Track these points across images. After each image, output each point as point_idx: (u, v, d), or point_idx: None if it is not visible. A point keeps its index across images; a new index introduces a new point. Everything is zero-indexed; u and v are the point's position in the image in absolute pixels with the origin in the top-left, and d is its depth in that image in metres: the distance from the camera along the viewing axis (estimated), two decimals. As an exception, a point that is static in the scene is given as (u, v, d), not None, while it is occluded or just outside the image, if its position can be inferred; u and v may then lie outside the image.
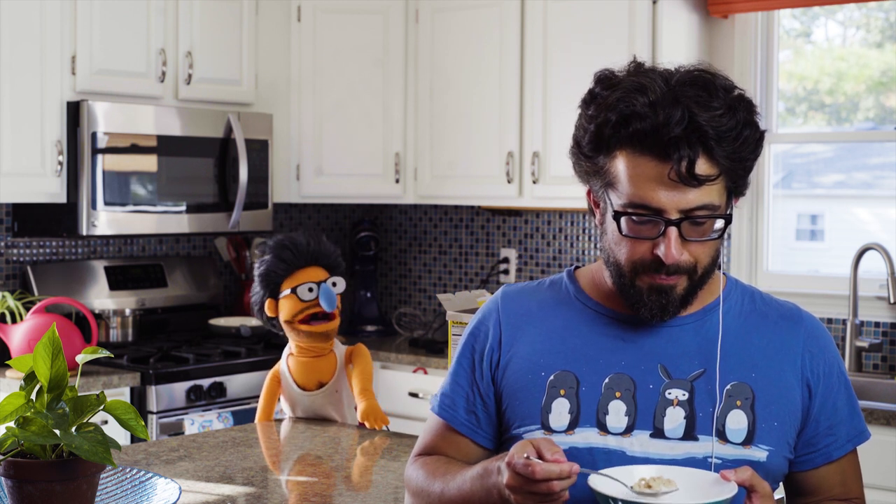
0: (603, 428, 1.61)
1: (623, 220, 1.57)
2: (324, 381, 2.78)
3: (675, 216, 1.54)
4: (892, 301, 3.64)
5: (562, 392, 1.63)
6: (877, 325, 3.81)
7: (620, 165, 1.56)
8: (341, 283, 2.76)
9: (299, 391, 2.79)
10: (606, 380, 1.63)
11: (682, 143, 1.50)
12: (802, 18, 4.26)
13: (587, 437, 1.61)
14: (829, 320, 3.89)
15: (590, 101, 1.61)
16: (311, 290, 2.71)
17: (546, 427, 1.63)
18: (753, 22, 4.09)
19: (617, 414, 1.61)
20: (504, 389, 1.70)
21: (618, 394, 1.62)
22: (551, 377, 1.65)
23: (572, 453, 1.60)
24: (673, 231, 1.54)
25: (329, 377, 2.78)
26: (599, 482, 1.46)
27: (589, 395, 1.63)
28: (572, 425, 1.62)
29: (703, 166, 1.52)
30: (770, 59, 4.11)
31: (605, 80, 1.61)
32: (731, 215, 1.59)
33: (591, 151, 1.60)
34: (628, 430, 1.61)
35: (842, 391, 1.68)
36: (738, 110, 1.54)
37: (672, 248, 1.54)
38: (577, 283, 1.73)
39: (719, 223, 1.57)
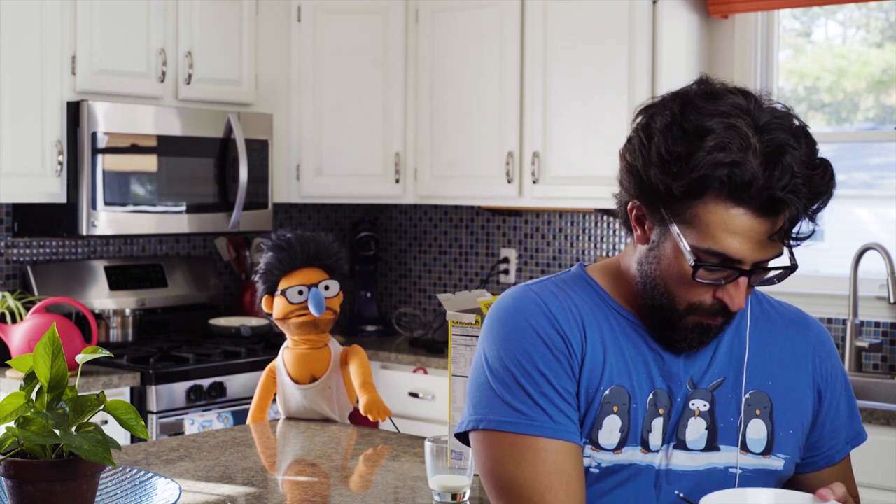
0: (645, 446, 1.58)
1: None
2: (317, 375, 2.79)
3: (749, 267, 1.49)
4: (892, 301, 3.64)
5: (615, 409, 1.57)
6: (877, 325, 3.81)
7: (709, 212, 1.46)
8: (334, 286, 2.77)
9: (292, 384, 2.80)
10: (650, 395, 1.58)
11: (788, 204, 1.45)
12: (802, 18, 4.25)
13: (632, 455, 1.58)
14: (829, 320, 3.89)
15: (680, 134, 1.47)
16: (300, 292, 2.74)
17: (594, 443, 1.57)
18: (753, 22, 4.09)
19: (657, 431, 1.58)
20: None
21: (661, 410, 1.58)
22: (606, 392, 1.57)
23: (614, 469, 1.57)
24: (744, 280, 1.50)
25: (322, 371, 2.79)
26: None
27: (638, 412, 1.58)
28: (621, 444, 1.57)
29: (802, 226, 1.50)
30: (770, 58, 4.10)
31: (689, 107, 1.48)
32: (797, 265, 1.54)
33: (682, 194, 1.47)
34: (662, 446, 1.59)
35: (843, 395, 1.70)
36: (828, 166, 1.49)
37: (742, 297, 1.51)
38: (603, 288, 1.65)
39: (781, 268, 1.53)
